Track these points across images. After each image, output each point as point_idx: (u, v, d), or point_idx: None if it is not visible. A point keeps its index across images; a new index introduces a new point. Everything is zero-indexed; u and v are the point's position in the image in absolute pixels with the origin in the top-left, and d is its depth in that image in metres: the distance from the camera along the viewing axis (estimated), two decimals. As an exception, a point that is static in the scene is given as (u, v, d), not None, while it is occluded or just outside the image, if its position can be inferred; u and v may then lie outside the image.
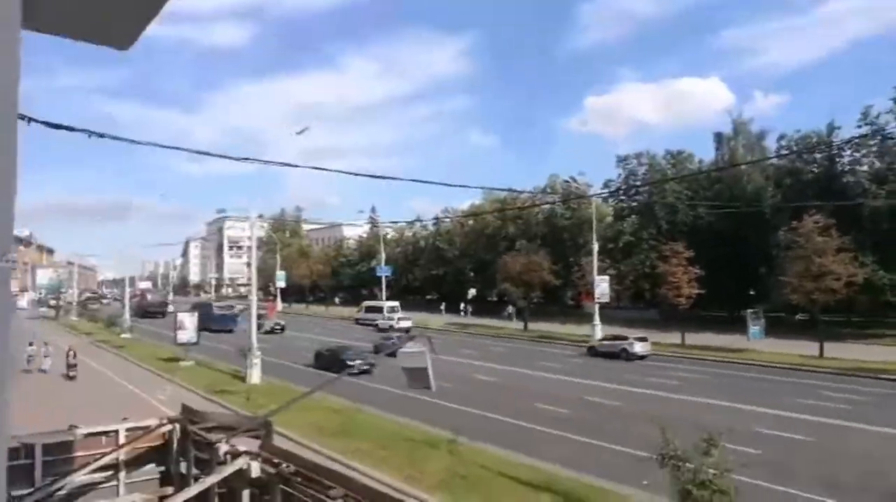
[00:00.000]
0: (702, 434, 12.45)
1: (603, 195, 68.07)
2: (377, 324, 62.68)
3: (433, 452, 20.63)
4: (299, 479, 7.01)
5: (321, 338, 53.04)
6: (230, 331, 55.58)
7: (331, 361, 36.75)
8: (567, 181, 74.12)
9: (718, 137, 66.58)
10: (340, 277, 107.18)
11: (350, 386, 29.26)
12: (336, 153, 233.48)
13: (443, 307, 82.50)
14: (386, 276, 79.30)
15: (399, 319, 63.17)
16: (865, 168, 51.22)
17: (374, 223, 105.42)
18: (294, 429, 21.94)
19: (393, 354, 10.31)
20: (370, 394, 28.96)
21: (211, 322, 56.89)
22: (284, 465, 7.32)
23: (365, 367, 34.37)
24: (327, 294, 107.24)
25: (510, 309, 69.91)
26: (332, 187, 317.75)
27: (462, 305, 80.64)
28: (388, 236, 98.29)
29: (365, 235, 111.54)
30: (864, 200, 46.01)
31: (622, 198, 69.31)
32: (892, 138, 47.04)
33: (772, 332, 43.59)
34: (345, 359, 36.00)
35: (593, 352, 43.91)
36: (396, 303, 71.67)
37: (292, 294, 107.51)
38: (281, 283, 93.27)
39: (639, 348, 41.70)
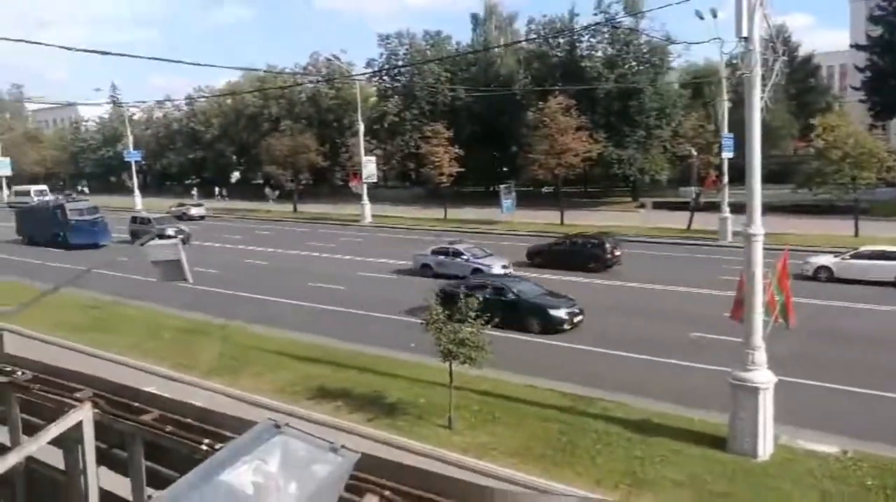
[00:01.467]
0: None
1: (367, 75, 67.31)
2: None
3: (205, 339, 20.31)
4: (38, 386, 6.50)
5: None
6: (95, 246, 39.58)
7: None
8: (329, 59, 71.97)
9: (475, 19, 68.51)
10: (81, 164, 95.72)
11: (102, 279, 27.05)
12: (59, 22, 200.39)
13: (194, 192, 75.88)
14: (136, 162, 72.37)
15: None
16: (600, 53, 56.37)
17: (116, 102, 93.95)
18: (43, 328, 20.17)
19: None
20: (128, 286, 27.15)
21: (59, 231, 40.99)
22: (20, 372, 6.73)
23: (579, 317, 20.63)
24: (67, 182, 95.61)
25: (268, 191, 68.99)
26: (56, 60, 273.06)
27: (217, 189, 76.46)
28: (135, 117, 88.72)
29: (107, 116, 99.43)
30: (599, 84, 51.04)
31: (385, 78, 69.32)
32: (619, 27, 52.03)
33: (522, 205, 47.91)
34: (536, 303, 20.73)
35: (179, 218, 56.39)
36: (44, 187, 76.12)
37: (22, 184, 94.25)
38: (5, 171, 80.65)
39: (195, 212, 56.94)
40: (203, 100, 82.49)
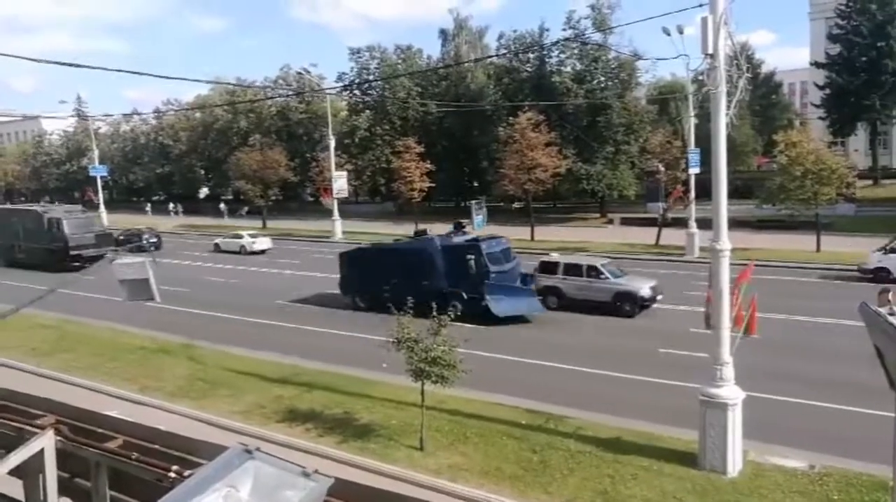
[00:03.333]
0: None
1: (337, 89, 67.23)
2: None
3: (170, 359, 19.97)
4: None
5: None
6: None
7: None
8: (300, 72, 71.78)
9: (444, 34, 68.99)
10: (45, 179, 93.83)
11: (64, 298, 26.47)
12: (25, 29, 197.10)
13: (148, 209, 76.38)
14: (102, 177, 71.23)
15: None
16: (569, 69, 57.10)
17: (81, 115, 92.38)
18: (3, 351, 19.61)
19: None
20: (89, 306, 26.63)
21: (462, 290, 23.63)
22: None
23: None
24: (29, 198, 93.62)
25: (222, 206, 70.03)
26: (20, 69, 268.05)
27: (171, 205, 76.39)
28: (101, 131, 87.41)
29: (72, 129, 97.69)
30: (568, 99, 51.67)
31: (356, 92, 69.32)
32: (588, 42, 52.82)
33: (493, 220, 47.99)
34: None
35: None
36: None
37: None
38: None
39: None
40: (172, 113, 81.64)
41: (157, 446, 5.40)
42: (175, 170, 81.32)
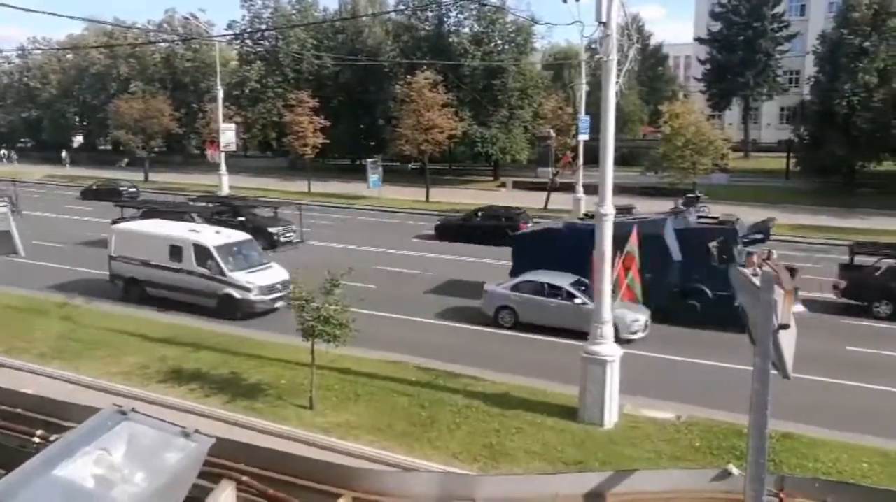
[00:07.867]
0: (326, 275, 13.44)
1: (227, 37, 63.89)
2: None
3: (42, 319, 18.70)
4: None
5: None
6: None
7: None
8: (187, 18, 67.54)
9: (343, -14, 66.81)
10: None
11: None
12: None
13: None
14: (-42, 119, 64.83)
15: None
16: (467, 30, 56.91)
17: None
18: None
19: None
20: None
21: None
22: None
23: None
24: None
25: (64, 155, 68.68)
26: None
27: (3, 151, 72.59)
28: (-47, 67, 79.22)
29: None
30: (465, 61, 51.61)
31: (247, 41, 66.17)
32: (487, 4, 52.74)
33: (389, 180, 47.67)
34: None
35: None
36: None
37: None
38: None
39: None
40: (39, 53, 74.99)
41: (19, 410, 5.11)
42: (44, 115, 75.06)
